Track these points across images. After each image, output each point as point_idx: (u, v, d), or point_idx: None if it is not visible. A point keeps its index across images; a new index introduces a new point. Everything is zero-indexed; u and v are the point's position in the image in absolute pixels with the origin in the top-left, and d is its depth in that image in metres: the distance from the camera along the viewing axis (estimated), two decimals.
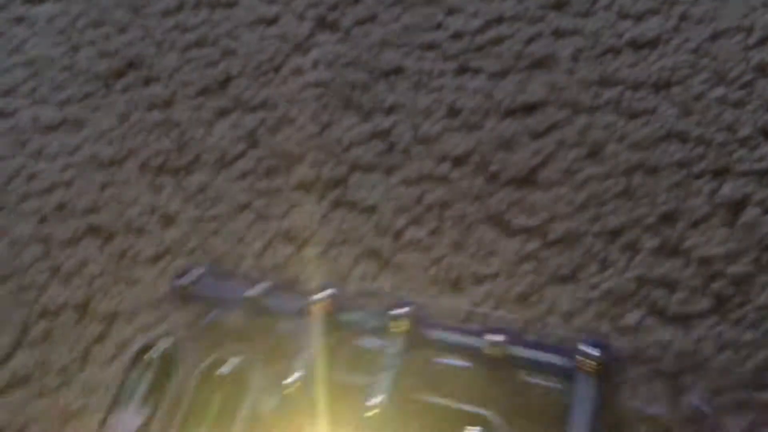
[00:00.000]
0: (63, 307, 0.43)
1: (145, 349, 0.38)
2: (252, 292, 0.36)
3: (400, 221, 0.40)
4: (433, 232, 0.40)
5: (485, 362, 0.32)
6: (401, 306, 0.33)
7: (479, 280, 0.38)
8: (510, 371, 0.32)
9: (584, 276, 0.37)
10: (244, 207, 0.43)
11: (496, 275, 0.38)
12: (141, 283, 0.43)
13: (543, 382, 0.32)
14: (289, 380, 0.34)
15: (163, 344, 0.38)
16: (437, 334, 0.33)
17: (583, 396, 0.30)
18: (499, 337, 0.31)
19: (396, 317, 0.33)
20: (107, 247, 0.44)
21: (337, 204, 0.42)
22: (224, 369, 0.36)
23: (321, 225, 0.42)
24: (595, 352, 0.30)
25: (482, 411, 0.31)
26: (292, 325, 0.36)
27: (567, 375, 0.30)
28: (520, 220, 0.39)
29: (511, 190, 0.40)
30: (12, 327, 0.42)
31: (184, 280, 0.39)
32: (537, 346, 0.31)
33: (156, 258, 0.43)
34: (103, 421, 0.36)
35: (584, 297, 0.36)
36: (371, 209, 0.41)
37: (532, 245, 0.38)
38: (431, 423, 0.32)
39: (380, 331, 0.34)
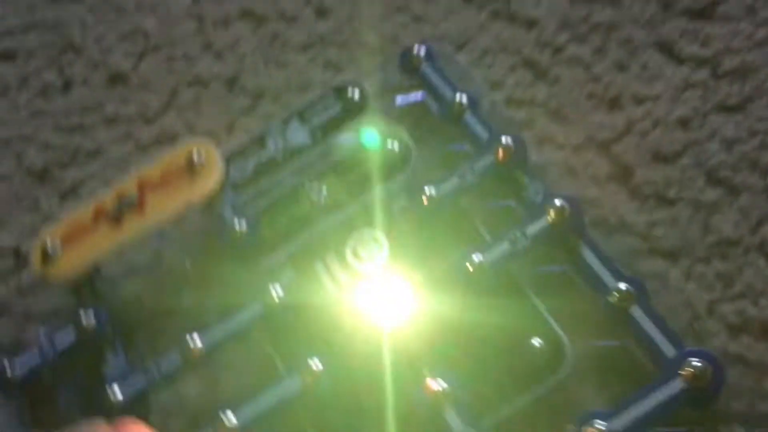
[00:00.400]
0: (213, 79, 0.43)
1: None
2: None
3: (563, 37, 0.40)
4: (597, 52, 0.39)
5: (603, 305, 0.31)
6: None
7: (639, 100, 0.37)
8: (619, 325, 0.31)
9: (754, 108, 0.35)
10: (400, 8, 0.43)
11: (658, 97, 0.37)
12: (290, 66, 0.43)
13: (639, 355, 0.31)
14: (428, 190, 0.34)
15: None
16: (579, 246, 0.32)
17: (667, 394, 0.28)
18: (631, 288, 0.30)
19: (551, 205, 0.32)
20: (259, 30, 0.45)
21: (497, 15, 0.42)
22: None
23: (478, 32, 0.41)
24: (704, 372, 0.28)
25: (561, 333, 0.31)
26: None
27: (666, 367, 0.29)
28: (692, 49, 0.38)
29: (685, 21, 0.38)
30: (163, 91, 0.44)
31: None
32: (659, 321, 0.30)
33: (307, 46, 0.43)
34: None
35: (751, 127, 0.35)
36: (533, 23, 0.41)
37: (701, 74, 0.37)
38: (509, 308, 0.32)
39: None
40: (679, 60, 0.38)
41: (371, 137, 0.37)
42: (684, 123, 0.36)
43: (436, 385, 0.30)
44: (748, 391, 0.30)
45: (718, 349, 0.31)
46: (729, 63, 0.37)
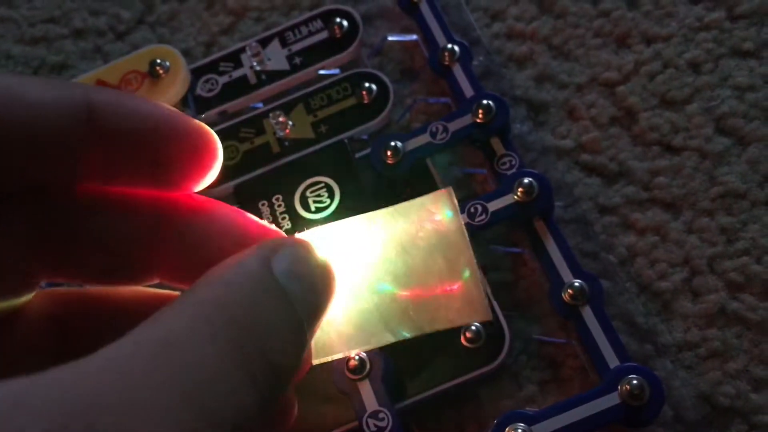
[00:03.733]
0: None
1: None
2: None
3: None
4: None
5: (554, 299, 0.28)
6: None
7: (649, 39, 0.34)
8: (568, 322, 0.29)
9: None
10: None
11: (670, 37, 0.34)
12: None
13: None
14: None
15: None
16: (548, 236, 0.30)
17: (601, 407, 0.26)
18: (587, 287, 0.28)
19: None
20: None
21: None
22: None
23: None
24: (641, 390, 0.25)
25: (503, 320, 0.29)
26: None
27: (606, 378, 0.26)
28: None
29: None
30: (136, 3, 0.40)
31: None
32: (608, 327, 0.27)
33: None
34: None
35: (765, 74, 0.33)
36: None
37: (717, 15, 0.34)
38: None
39: None
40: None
41: None
42: (695, 66, 0.34)
43: (353, 356, 0.27)
44: (744, 354, 0.28)
45: (716, 306, 0.29)
46: (747, 4, 0.34)
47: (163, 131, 0.17)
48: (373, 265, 0.18)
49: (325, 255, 0.17)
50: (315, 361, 0.18)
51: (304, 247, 0.17)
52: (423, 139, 0.32)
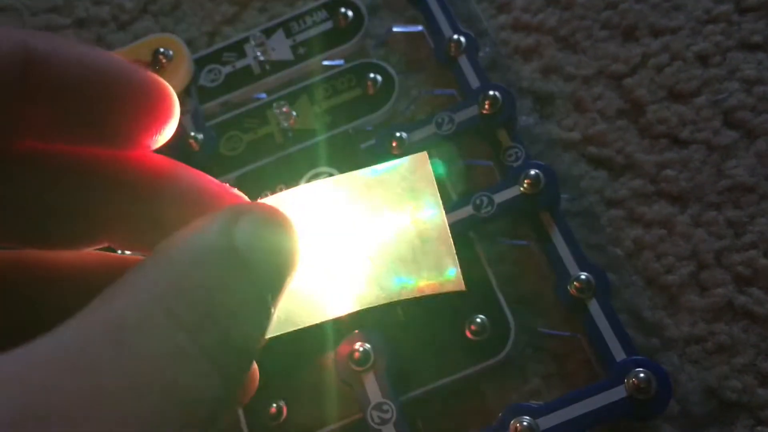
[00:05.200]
0: None
1: None
2: None
3: None
4: None
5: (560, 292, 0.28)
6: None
7: (657, 32, 0.34)
8: (574, 316, 0.28)
9: None
10: None
11: (677, 29, 0.34)
12: None
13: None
14: None
15: None
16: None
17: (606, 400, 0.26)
18: (593, 280, 0.28)
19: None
20: None
21: None
22: None
23: None
24: (648, 384, 0.25)
25: (508, 313, 0.29)
26: None
27: (612, 372, 0.26)
28: None
29: None
30: None
31: None
32: (614, 321, 0.27)
33: None
34: None
35: None
36: None
37: (725, 7, 0.34)
38: None
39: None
40: None
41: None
42: (703, 59, 0.33)
43: (357, 348, 0.27)
44: (752, 348, 0.28)
45: (723, 300, 0.29)
46: None
47: (111, 83, 0.15)
48: (341, 231, 0.17)
49: (291, 221, 0.16)
50: (276, 333, 0.17)
51: (267, 214, 0.15)
52: (428, 130, 0.32)
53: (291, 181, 0.32)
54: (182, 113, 0.34)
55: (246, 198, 0.17)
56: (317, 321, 0.17)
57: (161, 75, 0.33)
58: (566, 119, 0.33)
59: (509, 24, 0.36)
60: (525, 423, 0.25)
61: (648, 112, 0.32)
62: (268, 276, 0.14)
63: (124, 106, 0.16)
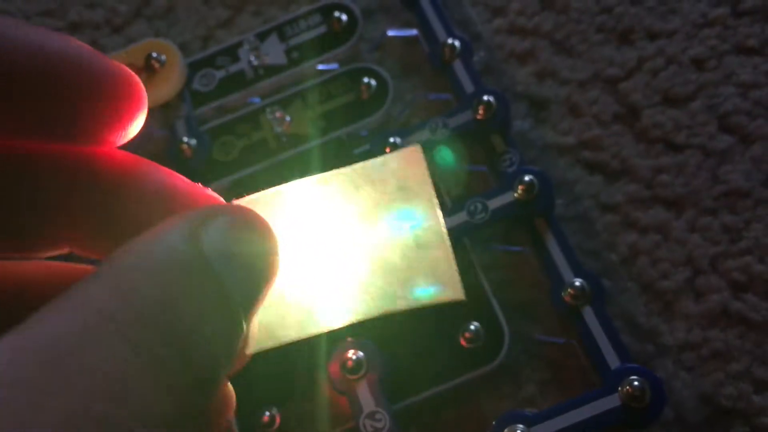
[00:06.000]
0: None
1: None
2: None
3: None
4: None
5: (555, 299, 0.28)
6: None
7: (653, 35, 0.34)
8: (568, 323, 0.28)
9: None
10: None
11: (673, 33, 0.34)
12: None
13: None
14: None
15: None
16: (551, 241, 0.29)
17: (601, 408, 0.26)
18: (588, 286, 0.27)
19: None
20: None
21: None
22: None
23: None
24: (642, 392, 0.25)
25: (503, 320, 0.28)
26: None
27: (606, 380, 0.26)
28: None
29: None
30: None
31: None
32: (609, 328, 0.27)
33: None
34: None
35: None
36: None
37: (721, 11, 0.34)
38: None
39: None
40: None
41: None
42: (698, 63, 0.33)
43: (350, 356, 0.27)
44: (747, 355, 0.28)
45: (718, 307, 0.29)
46: (751, 1, 0.34)
47: (68, 71, 0.14)
48: (325, 236, 0.16)
49: (268, 224, 0.14)
50: (253, 350, 0.15)
51: (242, 216, 0.14)
52: (423, 135, 0.31)
53: None
54: (175, 118, 0.34)
55: (221, 199, 0.16)
56: (301, 336, 0.16)
57: (154, 80, 0.33)
58: (561, 124, 0.33)
59: (504, 28, 0.36)
60: (519, 431, 0.25)
61: (643, 116, 0.32)
62: (241, 288, 0.13)
63: (84, 98, 0.14)
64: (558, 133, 0.33)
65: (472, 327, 0.28)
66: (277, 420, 0.28)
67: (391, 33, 0.36)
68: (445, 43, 0.33)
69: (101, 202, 0.15)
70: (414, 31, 0.36)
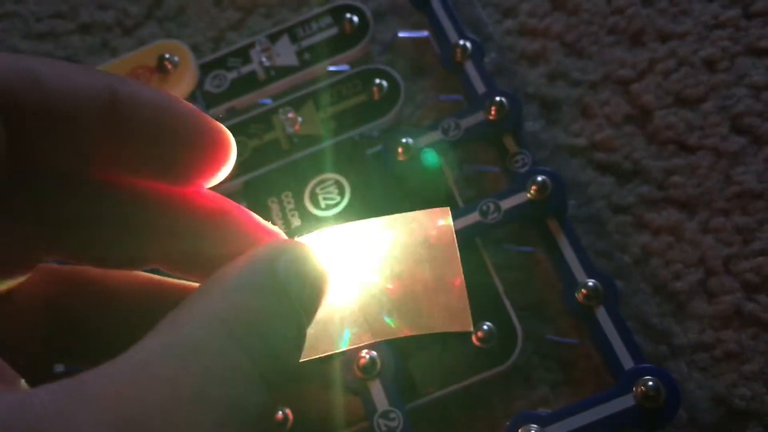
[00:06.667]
0: None
1: None
2: None
3: None
4: None
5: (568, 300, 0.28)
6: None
7: (664, 37, 0.34)
8: (582, 323, 0.28)
9: None
10: None
11: (685, 35, 0.34)
12: None
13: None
14: None
15: None
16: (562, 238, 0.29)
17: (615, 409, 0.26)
18: (601, 287, 0.27)
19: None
20: None
21: None
22: None
23: None
24: (657, 392, 0.25)
25: (515, 320, 0.29)
26: None
27: (620, 380, 0.26)
28: None
29: None
30: None
31: None
32: (622, 328, 0.27)
33: None
34: None
35: None
36: None
37: (732, 13, 0.34)
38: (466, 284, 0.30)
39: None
40: None
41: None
42: (710, 65, 0.33)
43: (363, 355, 0.27)
44: (760, 356, 0.28)
45: (731, 308, 0.29)
46: (763, 2, 0.34)
47: (182, 127, 0.17)
48: (362, 269, 0.19)
49: (323, 258, 0.18)
50: (303, 359, 0.19)
51: (303, 251, 0.18)
52: (434, 135, 0.31)
53: (296, 186, 0.32)
54: None
55: (284, 235, 0.20)
56: (335, 351, 0.19)
57: (166, 81, 0.33)
58: (573, 125, 0.33)
59: (515, 29, 0.36)
60: (533, 431, 0.25)
61: (655, 117, 0.32)
62: (304, 304, 0.17)
63: (190, 149, 0.18)
64: (570, 134, 0.33)
65: (485, 327, 0.28)
66: (290, 418, 0.28)
67: (402, 34, 0.36)
68: (456, 44, 0.33)
69: (188, 233, 0.18)
70: (425, 33, 0.36)
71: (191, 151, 0.18)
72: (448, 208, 0.19)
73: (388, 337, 0.19)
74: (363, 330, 0.19)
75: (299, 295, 0.17)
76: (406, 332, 0.19)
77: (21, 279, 0.18)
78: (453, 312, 0.19)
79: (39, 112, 0.15)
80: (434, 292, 0.19)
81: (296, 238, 0.19)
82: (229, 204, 0.19)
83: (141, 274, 0.20)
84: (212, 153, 0.18)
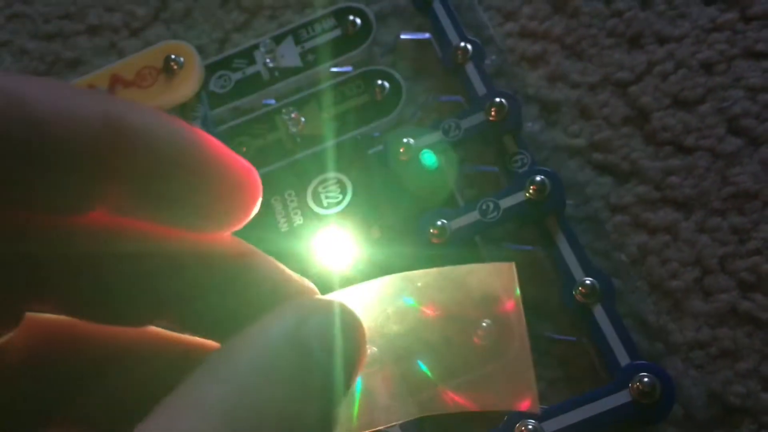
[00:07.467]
0: None
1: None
2: None
3: None
4: None
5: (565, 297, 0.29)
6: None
7: (662, 40, 0.34)
8: (579, 320, 0.28)
9: None
10: None
11: (682, 38, 0.34)
12: None
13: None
14: None
15: None
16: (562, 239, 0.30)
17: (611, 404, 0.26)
18: (598, 285, 0.28)
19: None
20: None
21: None
22: None
23: None
24: (653, 388, 0.26)
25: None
26: None
27: (616, 376, 0.27)
28: None
29: None
30: (151, 0, 0.41)
31: None
32: (619, 326, 0.28)
33: None
34: None
35: None
36: None
37: (730, 16, 0.34)
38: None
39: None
40: (708, 0, 0.35)
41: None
42: (708, 67, 0.34)
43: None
44: (755, 353, 0.28)
45: (727, 306, 0.29)
46: (760, 6, 0.34)
47: (201, 168, 0.14)
48: (407, 332, 0.16)
49: (359, 321, 0.15)
50: None
51: (337, 313, 0.15)
52: (435, 136, 0.32)
53: (299, 185, 0.33)
54: (192, 119, 0.34)
55: (315, 288, 0.17)
56: (383, 425, 0.16)
57: (172, 81, 0.34)
58: (572, 126, 0.34)
59: (516, 31, 0.36)
60: (530, 426, 0.26)
61: (653, 119, 0.33)
62: (339, 377, 0.14)
63: (212, 192, 0.15)
64: (569, 135, 0.33)
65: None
66: None
67: (404, 36, 0.37)
68: (457, 47, 0.34)
69: (207, 286, 0.15)
70: (427, 35, 0.36)
71: (215, 195, 0.15)
72: (512, 264, 0.16)
73: (438, 413, 0.16)
74: (408, 403, 0.16)
75: (332, 368, 0.14)
76: (459, 409, 0.16)
77: (6, 333, 0.15)
78: (516, 387, 0.16)
79: (24, 143, 0.12)
80: (493, 364, 0.16)
81: (329, 295, 0.16)
82: (252, 251, 0.16)
83: (144, 330, 0.17)
84: (240, 197, 0.15)
